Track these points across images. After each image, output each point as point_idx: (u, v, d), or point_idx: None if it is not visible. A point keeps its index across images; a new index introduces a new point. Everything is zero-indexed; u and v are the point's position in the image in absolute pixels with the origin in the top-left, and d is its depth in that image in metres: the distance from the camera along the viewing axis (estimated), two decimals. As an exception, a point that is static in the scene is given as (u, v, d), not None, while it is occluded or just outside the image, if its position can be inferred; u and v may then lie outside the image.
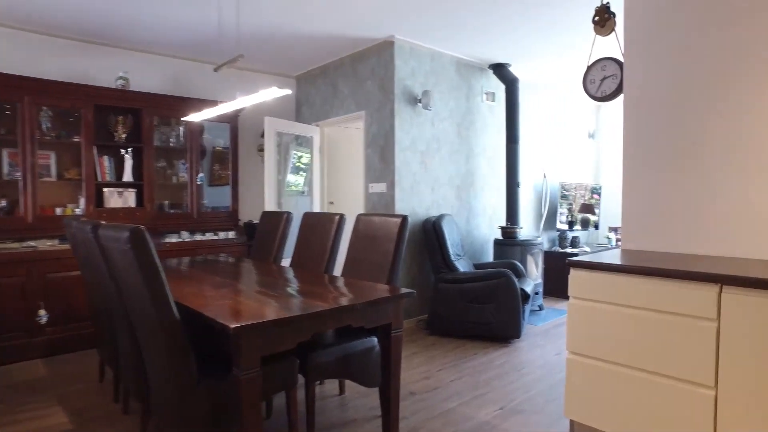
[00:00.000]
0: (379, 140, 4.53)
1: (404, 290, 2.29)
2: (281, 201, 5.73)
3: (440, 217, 4.31)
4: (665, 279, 1.88)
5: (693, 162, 2.32)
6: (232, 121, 4.91)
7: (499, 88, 5.37)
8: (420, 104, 4.52)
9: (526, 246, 4.84)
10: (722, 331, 1.73)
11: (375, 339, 2.48)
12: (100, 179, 4.15)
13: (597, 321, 2.11)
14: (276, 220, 3.76)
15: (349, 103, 4.89)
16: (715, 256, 2.21)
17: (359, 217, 2.98)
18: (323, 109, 5.26)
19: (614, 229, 6.76)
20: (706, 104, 2.27)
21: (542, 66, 5.20)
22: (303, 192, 5.81)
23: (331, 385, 3.11)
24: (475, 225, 5.16)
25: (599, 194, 6.69)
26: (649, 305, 1.92)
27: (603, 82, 2.83)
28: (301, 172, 5.62)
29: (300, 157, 5.58)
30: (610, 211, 7.01)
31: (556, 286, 5.71)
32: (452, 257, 4.20)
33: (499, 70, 5.13)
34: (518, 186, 5.04)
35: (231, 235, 4.86)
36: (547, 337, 4.15)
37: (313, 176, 5.42)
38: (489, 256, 5.30)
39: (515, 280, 3.94)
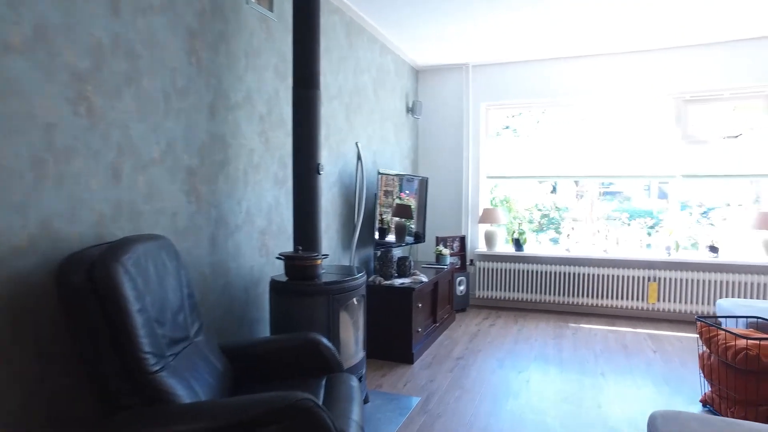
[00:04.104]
0: None
1: None
2: None
3: (119, 253, 1.54)
4: None
5: None
6: None
7: (281, -12, 2.85)
8: (68, -56, 1.67)
9: (337, 293, 2.42)
10: None
11: None
12: None
13: None
14: None
15: None
16: None
17: None
18: None
19: (443, 240, 4.93)
20: None
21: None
22: None
23: None
24: (231, 252, 2.53)
25: (424, 190, 4.76)
26: None
27: None
28: None
29: None
30: (437, 214, 5.18)
31: (377, 341, 3.48)
32: (150, 365, 1.48)
33: (280, -57, 2.60)
34: (319, 172, 2.60)
35: None
36: None
37: None
38: (261, 322, 2.73)
39: (326, 417, 1.45)
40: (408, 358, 3.45)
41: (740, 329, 2.69)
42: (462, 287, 4.85)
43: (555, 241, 5.25)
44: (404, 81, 4.90)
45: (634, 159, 4.65)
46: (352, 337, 2.58)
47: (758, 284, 4.15)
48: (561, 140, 4.93)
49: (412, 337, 3.47)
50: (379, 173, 3.77)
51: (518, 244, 4.97)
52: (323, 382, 1.96)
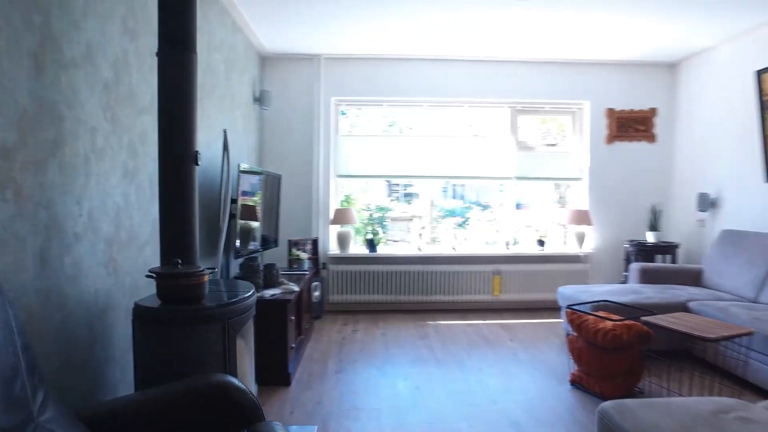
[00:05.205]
0: None
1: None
2: None
3: None
4: None
5: None
6: None
7: None
8: None
9: (233, 317, 1.88)
10: None
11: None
12: None
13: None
14: None
15: None
16: None
17: None
18: None
19: (296, 243, 4.53)
20: None
21: None
22: None
23: None
24: (69, 272, 1.77)
25: (277, 190, 4.28)
26: None
27: None
28: None
29: None
30: (286, 215, 4.73)
31: (264, 362, 2.92)
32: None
33: None
34: (197, 162, 2.01)
35: None
36: None
37: None
38: (110, 363, 2.00)
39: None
40: (284, 380, 3.00)
41: (601, 312, 3.02)
42: (317, 293, 4.53)
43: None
44: (252, 67, 4.35)
45: (473, 161, 4.99)
46: (247, 367, 2.06)
47: (577, 271, 4.87)
48: (403, 140, 5.01)
49: (288, 354, 3.03)
50: (239, 171, 3.21)
51: (372, 245, 4.88)
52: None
